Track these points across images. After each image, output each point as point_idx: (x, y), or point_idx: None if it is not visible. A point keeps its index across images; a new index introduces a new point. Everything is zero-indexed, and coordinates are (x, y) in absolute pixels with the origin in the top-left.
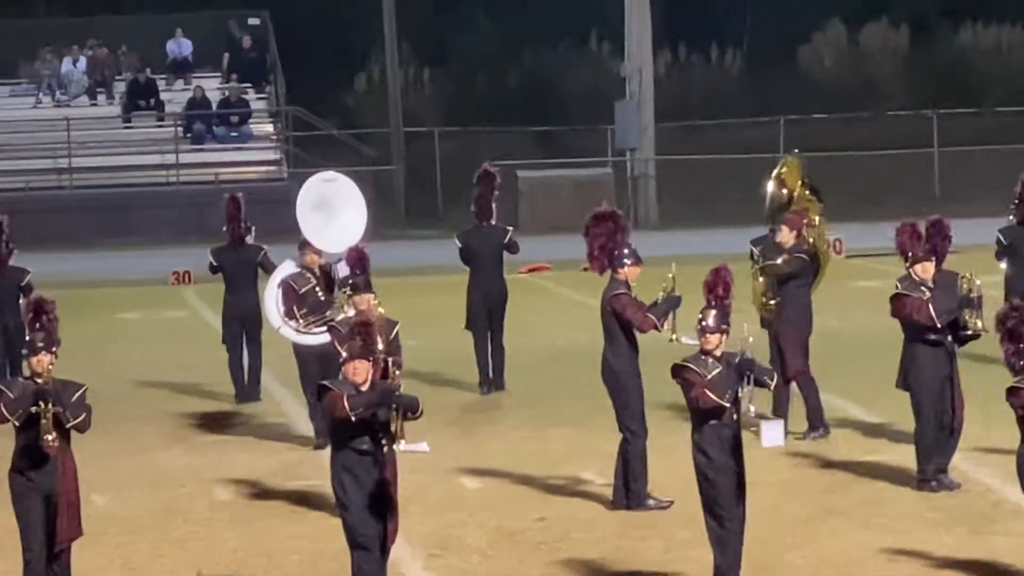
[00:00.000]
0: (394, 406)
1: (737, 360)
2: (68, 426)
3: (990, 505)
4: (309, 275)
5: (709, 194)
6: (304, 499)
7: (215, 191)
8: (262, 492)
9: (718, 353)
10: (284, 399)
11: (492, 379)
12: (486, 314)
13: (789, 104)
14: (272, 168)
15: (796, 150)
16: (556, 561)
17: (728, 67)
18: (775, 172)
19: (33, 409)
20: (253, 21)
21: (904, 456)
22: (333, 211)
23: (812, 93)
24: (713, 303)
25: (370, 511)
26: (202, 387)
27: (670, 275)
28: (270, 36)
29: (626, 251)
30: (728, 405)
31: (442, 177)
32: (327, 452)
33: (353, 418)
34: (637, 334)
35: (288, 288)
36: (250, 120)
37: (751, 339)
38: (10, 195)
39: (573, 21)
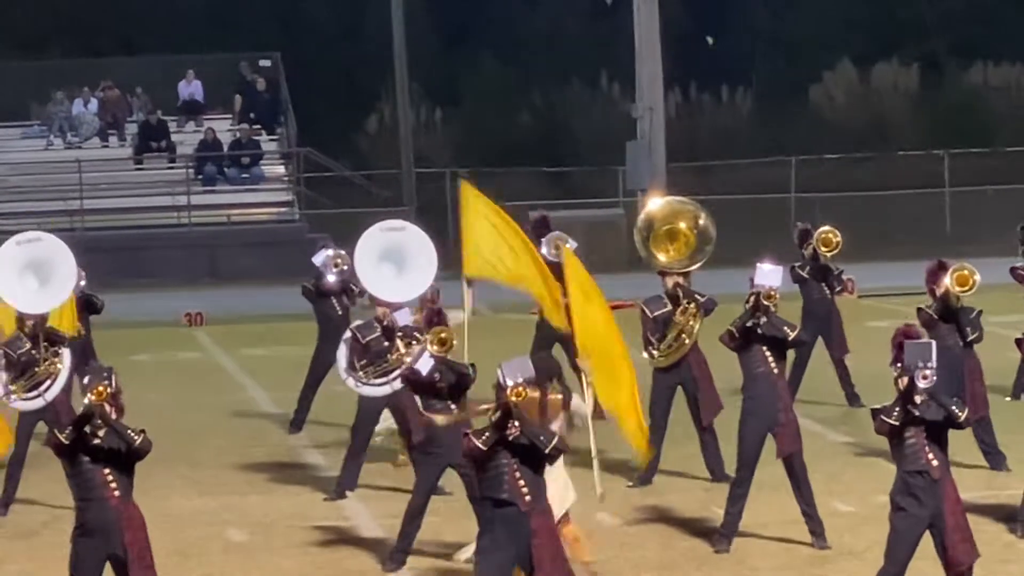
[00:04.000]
0: None
1: None
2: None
3: (1003, 545)
4: (376, 324)
5: (721, 234)
6: (318, 541)
7: (227, 233)
8: (276, 534)
9: None
10: (300, 442)
11: None
12: None
13: (800, 144)
14: (284, 209)
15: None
16: None
17: (739, 107)
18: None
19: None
20: (264, 63)
21: None
22: (402, 262)
23: (823, 133)
24: None
25: None
26: (215, 428)
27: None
28: (281, 77)
29: None
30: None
31: (453, 218)
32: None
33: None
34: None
35: (353, 339)
36: (261, 162)
37: None
38: None
39: (583, 62)
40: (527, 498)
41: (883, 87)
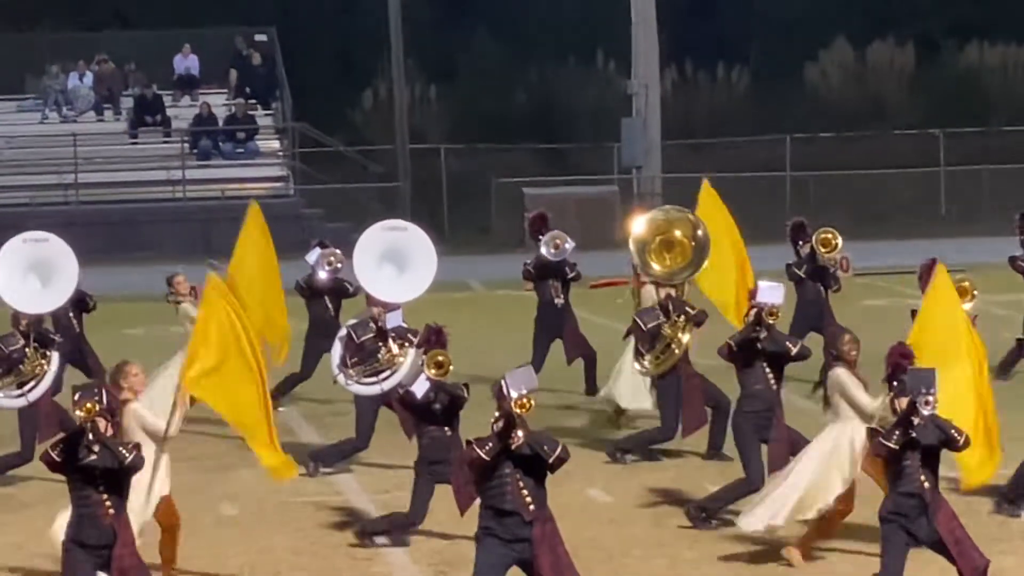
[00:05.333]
0: None
1: None
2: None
3: (997, 525)
4: (372, 324)
5: None
6: (311, 516)
7: (221, 207)
8: (268, 509)
9: None
10: (293, 417)
11: None
12: None
13: (795, 122)
14: (278, 184)
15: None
16: None
17: (734, 85)
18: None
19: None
20: (260, 38)
21: None
22: (402, 262)
23: (818, 111)
24: None
25: None
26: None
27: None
28: (277, 52)
29: None
30: None
31: (448, 194)
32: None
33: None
34: None
35: (348, 337)
36: (256, 136)
37: None
38: (16, 210)
39: (579, 39)
40: (531, 507)
41: (879, 66)
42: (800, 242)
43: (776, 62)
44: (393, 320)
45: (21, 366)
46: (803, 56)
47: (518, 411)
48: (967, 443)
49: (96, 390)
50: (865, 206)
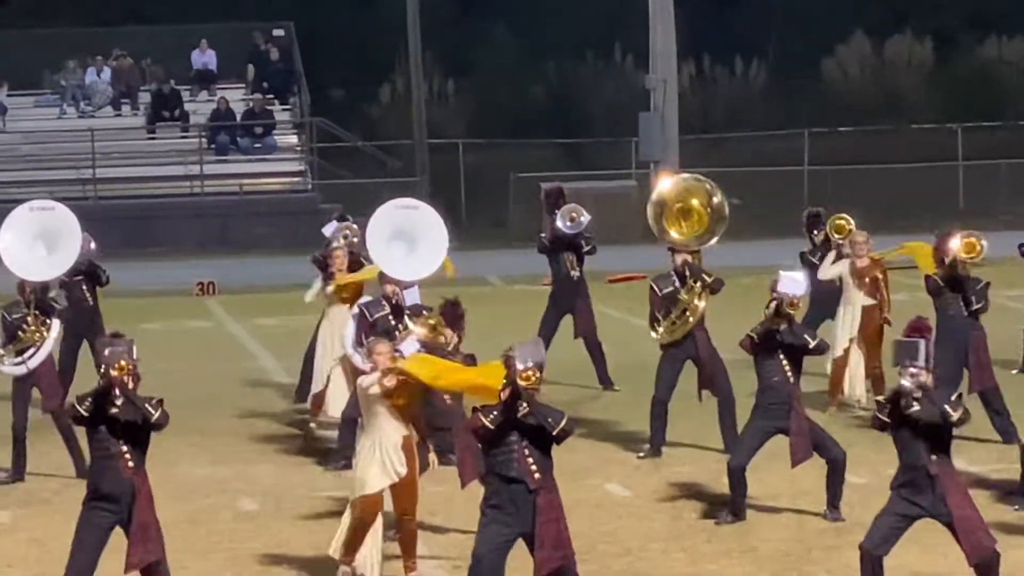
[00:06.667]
0: None
1: None
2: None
3: (1017, 517)
4: (385, 302)
5: (733, 207)
6: (329, 511)
7: (239, 202)
8: (287, 504)
9: None
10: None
11: None
12: None
13: (813, 117)
14: (296, 180)
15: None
16: (580, 573)
17: (752, 79)
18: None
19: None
20: (277, 32)
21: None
22: (413, 240)
23: (836, 106)
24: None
25: None
26: (226, 398)
27: None
28: (294, 47)
29: None
30: None
31: (466, 189)
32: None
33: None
34: None
35: (361, 315)
36: (274, 131)
37: None
38: None
39: (597, 33)
40: (536, 475)
41: (897, 60)
42: (815, 231)
43: (794, 56)
44: (410, 297)
45: (21, 333)
46: (821, 50)
47: (523, 384)
48: (963, 419)
49: (125, 347)
50: (883, 200)
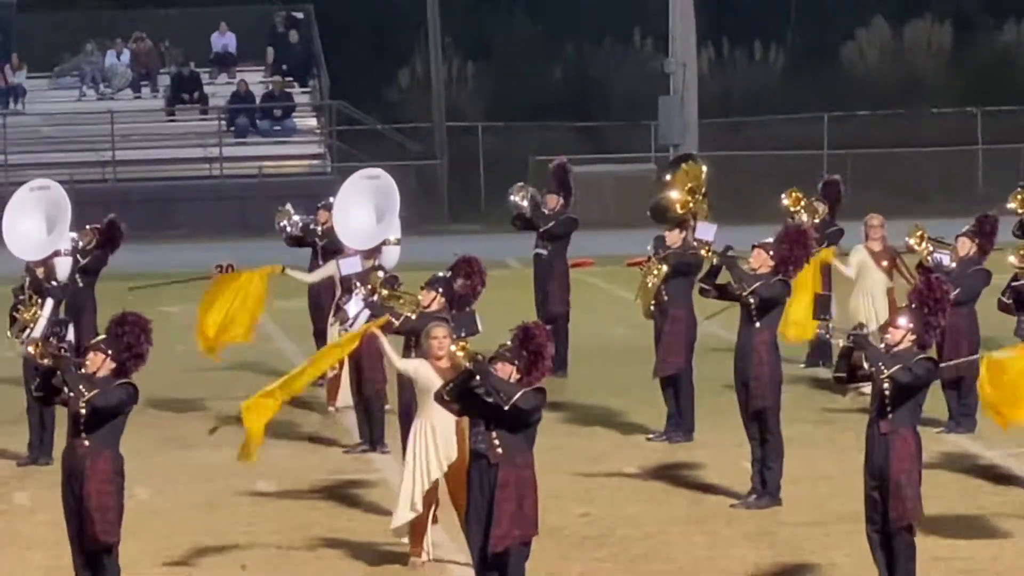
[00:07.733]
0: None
1: None
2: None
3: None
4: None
5: (752, 190)
6: (347, 494)
7: (258, 185)
8: (305, 486)
9: None
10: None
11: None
12: None
13: (832, 101)
14: (315, 162)
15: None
16: (600, 557)
17: (771, 64)
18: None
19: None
20: (297, 15)
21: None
22: (373, 209)
23: (855, 90)
24: None
25: None
26: (245, 381)
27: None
28: (314, 30)
29: None
30: None
31: (485, 172)
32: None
33: None
34: None
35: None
36: (293, 114)
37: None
38: None
39: (617, 17)
40: (498, 450)
41: (916, 44)
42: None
43: (813, 40)
44: (348, 267)
45: (16, 314)
46: (840, 34)
47: (460, 353)
48: (898, 380)
49: (57, 328)
50: (902, 184)
